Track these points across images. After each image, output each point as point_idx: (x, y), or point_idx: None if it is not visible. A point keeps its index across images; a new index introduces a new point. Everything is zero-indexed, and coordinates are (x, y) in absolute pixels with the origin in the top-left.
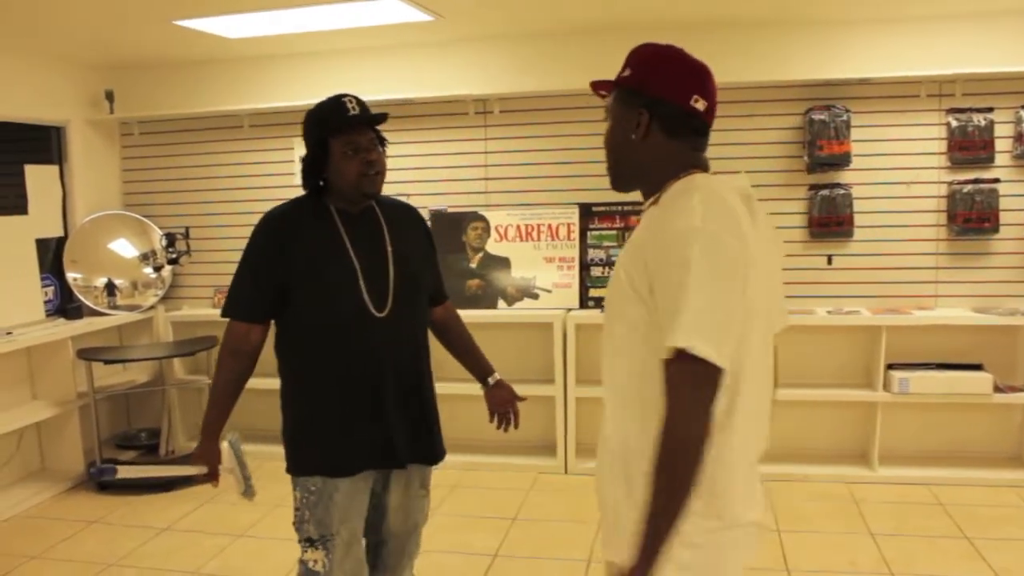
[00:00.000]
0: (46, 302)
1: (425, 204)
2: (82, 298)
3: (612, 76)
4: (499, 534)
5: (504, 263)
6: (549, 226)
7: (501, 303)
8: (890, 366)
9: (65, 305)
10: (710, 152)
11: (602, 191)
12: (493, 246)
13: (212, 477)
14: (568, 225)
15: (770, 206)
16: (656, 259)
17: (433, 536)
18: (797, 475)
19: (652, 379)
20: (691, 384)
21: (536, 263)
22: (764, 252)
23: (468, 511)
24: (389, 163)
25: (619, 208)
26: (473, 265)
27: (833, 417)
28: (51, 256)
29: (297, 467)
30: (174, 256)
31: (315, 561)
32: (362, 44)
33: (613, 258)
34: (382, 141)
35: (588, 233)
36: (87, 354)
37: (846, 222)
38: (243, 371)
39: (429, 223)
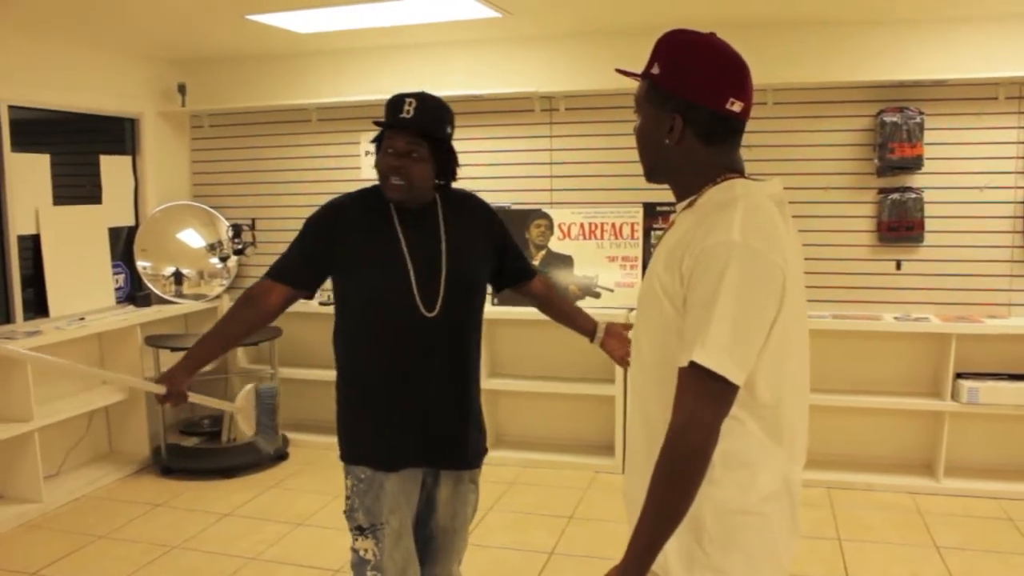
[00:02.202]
0: (117, 289)
1: (489, 200)
2: (150, 286)
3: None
4: (556, 532)
5: (567, 261)
6: (612, 225)
7: None
8: (959, 375)
9: (135, 292)
10: (777, 153)
11: (666, 190)
12: (556, 244)
13: (165, 399)
14: (632, 224)
15: (837, 209)
16: (692, 271)
17: (490, 532)
18: (860, 484)
19: None
20: (704, 398)
21: (599, 262)
22: (794, 260)
23: (526, 508)
24: None
25: None
26: (536, 263)
27: (898, 426)
28: (122, 244)
29: (347, 456)
30: (240, 247)
31: (365, 550)
32: (430, 39)
33: None
34: (440, 147)
35: (652, 232)
36: (155, 341)
37: (916, 227)
38: (249, 320)
39: None
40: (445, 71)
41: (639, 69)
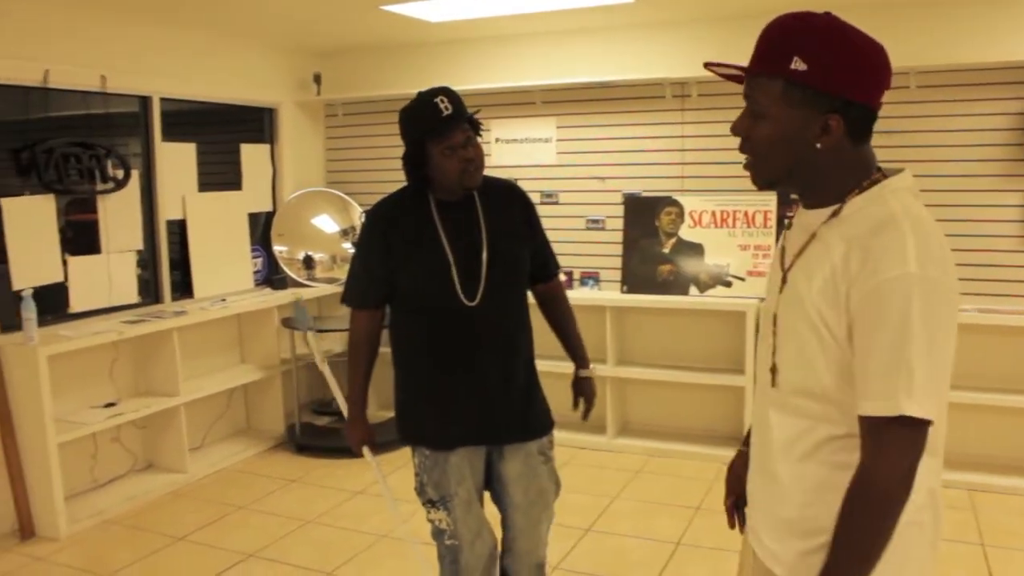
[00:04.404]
0: (255, 272)
1: (619, 188)
2: (285, 269)
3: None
4: (683, 522)
5: (697, 249)
6: (745, 213)
7: (693, 290)
8: None
9: (271, 276)
10: (921, 139)
11: None
12: (687, 232)
13: (359, 454)
14: (764, 212)
15: (986, 197)
16: (864, 305)
17: (615, 520)
18: (1006, 488)
19: (832, 407)
20: (910, 448)
21: (730, 250)
22: None
23: (652, 497)
24: (584, 146)
25: None
26: (666, 250)
27: None
28: (261, 229)
29: (407, 438)
30: None
31: (440, 520)
32: (560, 27)
33: None
34: (476, 128)
35: (785, 221)
36: (290, 323)
37: None
38: (371, 353)
39: (622, 207)
40: (575, 58)
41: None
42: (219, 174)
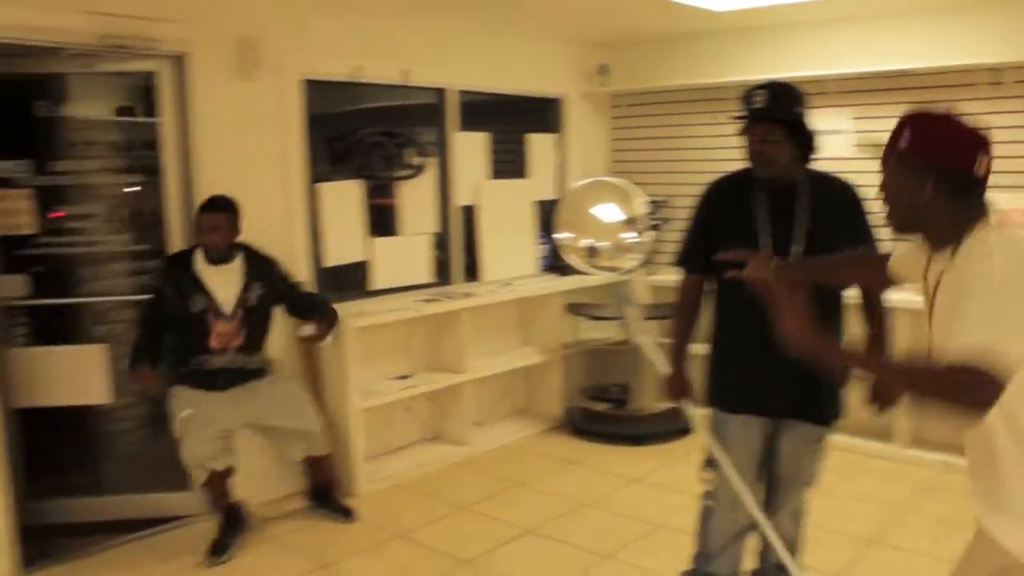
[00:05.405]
0: (541, 259)
1: None
2: (567, 258)
3: None
4: None
5: None
6: None
7: None
8: None
9: (556, 262)
10: None
11: None
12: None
13: (675, 404)
14: None
15: None
16: (958, 291)
17: (906, 535)
18: None
19: None
20: (971, 382)
21: None
22: None
23: (946, 515)
24: (883, 138)
25: None
26: None
27: None
28: (546, 217)
29: (706, 399)
30: (656, 223)
31: (709, 480)
32: (848, 13)
33: None
34: (795, 128)
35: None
36: (575, 309)
37: None
38: (692, 315)
39: None
40: (869, 45)
41: None
42: (507, 163)
